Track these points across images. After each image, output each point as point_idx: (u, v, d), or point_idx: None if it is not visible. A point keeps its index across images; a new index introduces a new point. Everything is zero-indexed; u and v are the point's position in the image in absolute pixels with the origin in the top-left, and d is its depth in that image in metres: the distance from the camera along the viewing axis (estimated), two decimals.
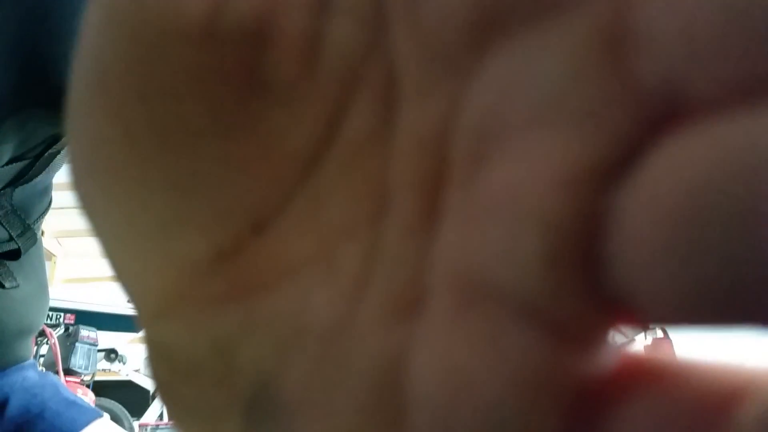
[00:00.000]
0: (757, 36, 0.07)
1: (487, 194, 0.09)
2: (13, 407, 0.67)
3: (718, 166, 0.07)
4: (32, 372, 0.71)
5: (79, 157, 0.12)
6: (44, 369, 0.75)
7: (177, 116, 0.11)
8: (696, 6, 0.07)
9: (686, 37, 0.07)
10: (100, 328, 3.16)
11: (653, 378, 0.09)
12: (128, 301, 0.13)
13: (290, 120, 0.11)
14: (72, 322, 3.37)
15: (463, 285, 0.09)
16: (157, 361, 0.13)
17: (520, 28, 0.09)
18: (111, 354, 3.51)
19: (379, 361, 0.10)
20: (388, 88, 0.11)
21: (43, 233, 0.70)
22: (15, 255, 0.64)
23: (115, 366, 3.55)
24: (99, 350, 3.16)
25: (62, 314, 3.42)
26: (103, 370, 3.47)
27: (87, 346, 2.95)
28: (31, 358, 0.73)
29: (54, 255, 3.82)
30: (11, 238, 0.62)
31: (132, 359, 3.64)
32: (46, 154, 0.57)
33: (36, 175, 0.58)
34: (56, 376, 0.79)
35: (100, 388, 3.31)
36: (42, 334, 2.46)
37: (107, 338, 3.35)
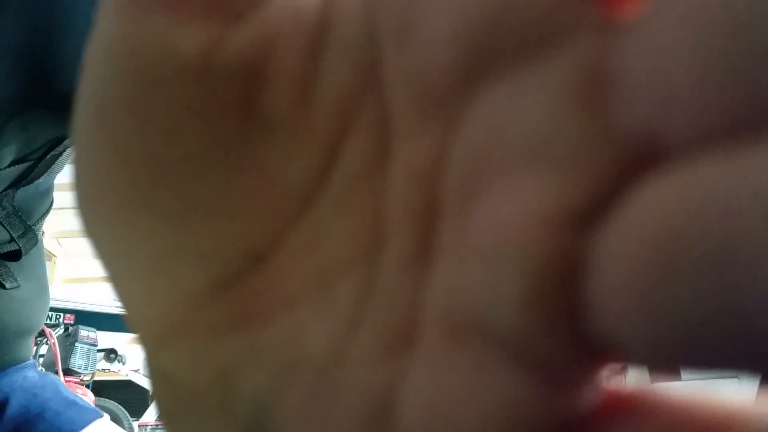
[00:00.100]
0: (736, 80, 0.07)
1: (474, 233, 0.09)
2: (14, 407, 0.67)
3: (696, 209, 0.07)
4: (32, 372, 0.71)
5: (82, 187, 0.13)
6: (44, 369, 0.75)
7: (175, 150, 0.11)
8: (674, 51, 0.07)
9: (665, 81, 0.08)
10: (99, 328, 3.15)
11: (637, 409, 0.09)
12: (131, 329, 0.14)
13: (287, 154, 0.11)
14: (72, 322, 3.36)
15: (452, 322, 0.10)
16: (160, 389, 0.13)
17: (506, 70, 0.09)
18: (110, 354, 3.51)
19: (370, 393, 0.11)
20: (382, 125, 0.11)
21: (43, 233, 0.70)
22: (16, 256, 0.64)
23: (115, 366, 3.55)
24: (98, 350, 3.16)
25: (62, 314, 3.42)
26: (103, 370, 3.47)
27: (86, 346, 2.94)
28: (31, 358, 0.73)
29: (54, 255, 3.82)
30: (12, 239, 0.62)
31: (131, 359, 3.63)
32: (48, 156, 0.57)
33: (38, 177, 0.58)
34: (56, 376, 0.79)
35: (100, 388, 3.31)
36: (41, 334, 2.46)
37: (107, 338, 3.34)
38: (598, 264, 0.08)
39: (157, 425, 3.44)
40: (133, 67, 0.11)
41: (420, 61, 0.10)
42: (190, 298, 0.12)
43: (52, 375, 0.75)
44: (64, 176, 0.63)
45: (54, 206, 0.67)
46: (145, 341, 0.14)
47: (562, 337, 0.09)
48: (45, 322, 0.85)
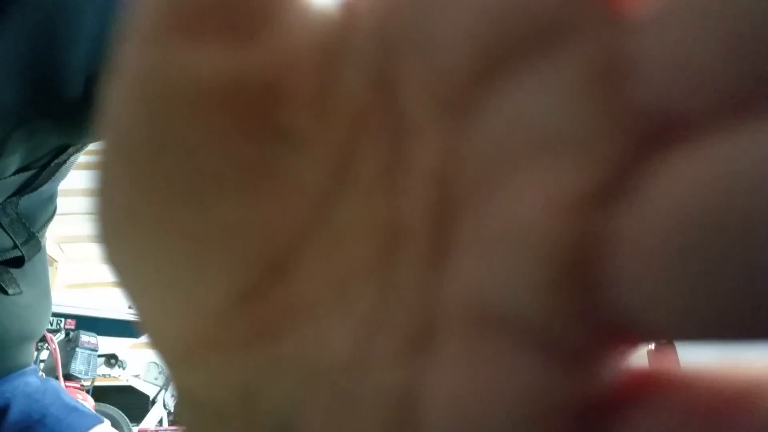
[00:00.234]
0: (749, 55, 0.07)
1: (494, 225, 0.10)
2: (15, 413, 0.67)
3: (714, 184, 0.07)
4: (34, 377, 0.71)
5: (104, 214, 0.13)
6: (44, 374, 0.75)
7: (197, 171, 0.11)
8: (687, 31, 0.08)
9: (679, 60, 0.08)
10: (100, 333, 3.15)
11: (660, 386, 0.10)
12: (154, 348, 0.14)
13: (304, 164, 0.12)
14: (72, 327, 3.36)
15: (473, 315, 0.10)
16: (185, 408, 0.14)
17: (519, 64, 0.10)
18: (111, 359, 3.51)
19: (393, 394, 0.11)
20: (397, 129, 0.11)
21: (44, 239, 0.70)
22: (19, 262, 0.64)
23: (115, 371, 3.54)
24: (99, 355, 3.15)
25: (63, 319, 3.41)
26: (103, 375, 3.46)
27: (87, 352, 2.94)
28: (33, 363, 0.74)
29: (55, 260, 3.82)
30: (16, 246, 0.62)
31: (132, 365, 3.63)
32: (52, 164, 0.57)
33: (42, 185, 0.59)
34: (57, 381, 0.79)
35: (100, 394, 3.30)
36: (42, 339, 2.46)
37: (107, 343, 3.34)
38: (623, 240, 0.08)
39: (156, 431, 3.43)
40: (155, 94, 0.11)
41: (436, 64, 0.10)
42: (213, 315, 0.12)
43: (53, 380, 0.75)
44: (66, 183, 0.63)
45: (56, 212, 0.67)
46: (170, 363, 0.14)
47: (586, 319, 0.09)
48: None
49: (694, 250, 0.07)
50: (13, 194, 0.57)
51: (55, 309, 0.77)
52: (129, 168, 0.12)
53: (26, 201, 0.59)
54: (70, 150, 0.58)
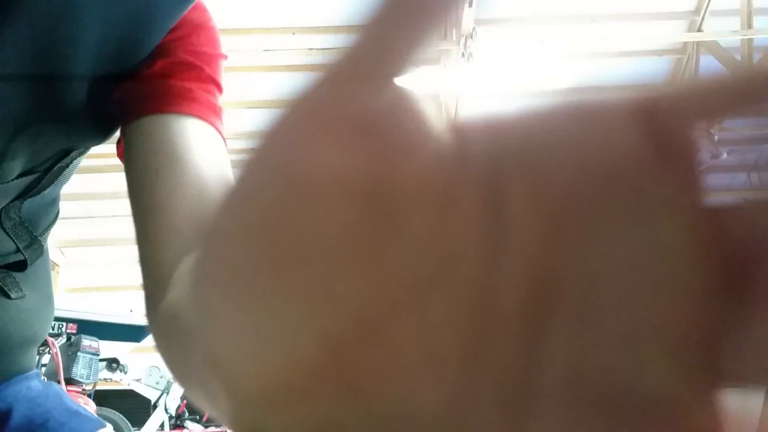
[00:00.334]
0: None
1: (603, 316, 0.12)
2: (17, 417, 0.67)
3: None
4: (36, 382, 0.71)
5: (214, 264, 0.15)
6: (45, 378, 0.75)
7: (318, 247, 0.13)
8: None
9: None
10: (101, 337, 3.15)
11: None
12: (228, 389, 0.15)
13: (410, 252, 0.14)
14: (74, 331, 3.36)
15: (576, 391, 0.12)
16: None
17: (618, 210, 0.13)
18: (112, 363, 3.51)
19: None
20: (501, 230, 0.14)
21: None
22: (21, 266, 0.64)
23: (117, 375, 3.54)
24: (101, 360, 3.15)
25: (64, 323, 3.42)
26: (105, 379, 3.46)
27: (89, 356, 2.94)
28: (35, 367, 0.73)
29: (57, 264, 3.82)
30: (18, 250, 0.62)
31: (133, 369, 3.63)
32: (55, 168, 0.57)
33: (45, 188, 0.59)
34: (59, 385, 0.79)
35: (102, 398, 3.30)
36: (44, 343, 2.46)
37: (109, 348, 3.34)
38: (739, 328, 0.12)
39: None
40: (294, 184, 0.14)
41: (544, 185, 0.13)
42: (304, 366, 0.14)
43: (55, 385, 0.75)
44: (68, 186, 0.63)
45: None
46: (245, 403, 0.14)
47: (701, 384, 0.12)
48: None
49: None
50: (16, 198, 0.57)
51: (56, 313, 0.77)
52: (254, 239, 0.14)
53: (29, 205, 0.59)
54: (73, 154, 0.58)
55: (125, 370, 3.55)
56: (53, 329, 3.30)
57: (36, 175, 0.56)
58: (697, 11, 4.34)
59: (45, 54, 0.47)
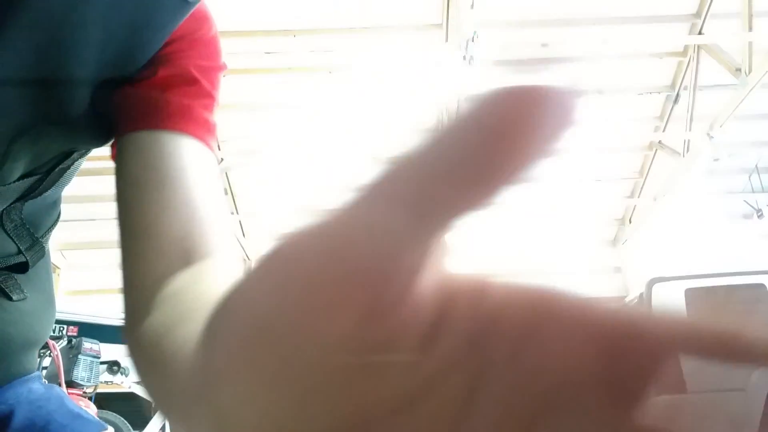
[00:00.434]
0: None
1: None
2: (18, 420, 0.67)
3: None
4: (37, 384, 0.71)
5: (233, 367, 0.17)
6: (47, 381, 0.75)
7: (318, 374, 0.17)
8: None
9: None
10: (102, 340, 3.15)
11: None
12: None
13: (393, 381, 0.17)
14: (75, 334, 3.36)
15: None
16: None
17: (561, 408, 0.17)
18: (113, 366, 3.51)
19: None
20: (473, 374, 0.17)
21: None
22: (23, 268, 0.64)
23: (118, 378, 3.54)
24: (101, 362, 3.15)
25: (65, 326, 3.42)
26: (106, 382, 3.46)
27: (90, 358, 2.94)
28: (36, 370, 0.73)
29: (58, 267, 3.82)
30: (20, 252, 0.62)
31: (134, 371, 3.62)
32: (56, 170, 0.57)
33: (46, 190, 0.59)
34: (61, 388, 0.79)
35: (103, 401, 3.30)
36: (45, 346, 2.46)
37: (110, 350, 3.34)
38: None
39: None
40: (292, 349, 0.17)
41: (518, 377, 0.17)
42: None
43: (56, 387, 0.75)
44: (69, 189, 0.64)
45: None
46: None
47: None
48: None
49: None
50: (17, 200, 0.57)
51: (57, 316, 0.77)
52: (266, 350, 0.17)
53: (30, 206, 0.59)
54: (75, 156, 0.58)
55: (126, 372, 3.54)
56: (54, 332, 3.30)
57: (37, 177, 0.56)
58: (698, 14, 4.34)
59: (46, 57, 0.47)
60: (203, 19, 0.54)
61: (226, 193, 6.49)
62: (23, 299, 0.66)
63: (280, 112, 5.13)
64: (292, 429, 0.17)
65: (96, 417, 0.73)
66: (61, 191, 0.63)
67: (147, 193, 0.46)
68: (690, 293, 4.35)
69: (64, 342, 3.04)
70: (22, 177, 0.54)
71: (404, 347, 0.17)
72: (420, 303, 0.17)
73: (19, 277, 0.65)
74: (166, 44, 0.52)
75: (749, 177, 6.84)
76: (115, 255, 0.46)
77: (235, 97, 4.56)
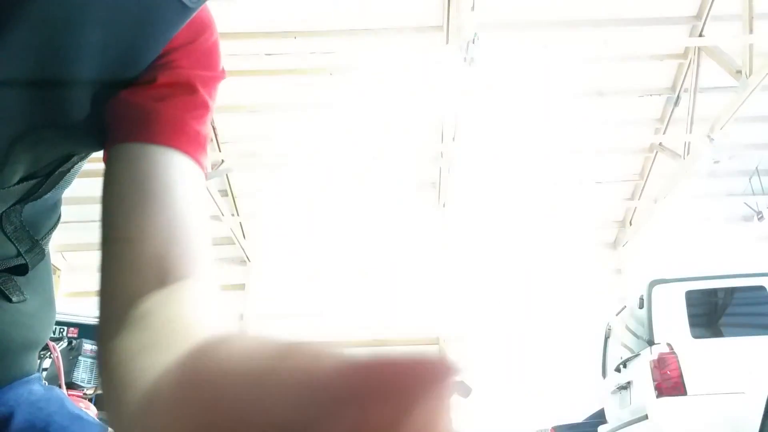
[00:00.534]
0: None
1: None
2: (19, 421, 0.67)
3: None
4: (37, 386, 0.71)
5: None
6: (46, 383, 0.75)
7: None
8: None
9: None
10: None
11: None
12: None
13: None
14: (75, 335, 3.36)
15: None
16: None
17: None
18: None
19: None
20: None
21: None
22: (23, 270, 0.64)
23: None
24: None
25: (65, 328, 3.42)
26: None
27: (90, 360, 2.94)
28: (36, 371, 0.73)
29: (58, 269, 3.82)
30: (19, 254, 0.62)
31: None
32: (56, 173, 0.57)
33: (46, 193, 0.59)
34: (61, 389, 0.79)
35: (103, 402, 3.29)
36: (45, 347, 2.46)
37: None
38: None
39: None
40: None
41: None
42: None
43: (57, 389, 0.75)
44: (69, 190, 0.64)
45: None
46: None
47: None
48: None
49: None
50: (17, 202, 0.57)
51: (57, 317, 0.77)
52: None
53: (30, 209, 0.59)
54: (74, 159, 0.58)
55: None
56: (54, 333, 3.30)
57: (37, 179, 0.56)
58: (698, 16, 4.34)
59: (47, 60, 0.47)
60: (206, 25, 0.54)
61: (227, 195, 6.50)
62: (23, 301, 0.66)
63: (280, 114, 5.14)
64: None
65: (96, 418, 0.73)
66: (61, 194, 0.63)
67: (131, 208, 0.46)
68: (690, 295, 4.35)
69: (64, 343, 3.04)
70: (21, 180, 0.54)
71: None
72: None
73: (19, 279, 0.65)
74: (168, 50, 0.52)
75: (749, 179, 6.84)
76: None
77: (235, 99, 4.57)
